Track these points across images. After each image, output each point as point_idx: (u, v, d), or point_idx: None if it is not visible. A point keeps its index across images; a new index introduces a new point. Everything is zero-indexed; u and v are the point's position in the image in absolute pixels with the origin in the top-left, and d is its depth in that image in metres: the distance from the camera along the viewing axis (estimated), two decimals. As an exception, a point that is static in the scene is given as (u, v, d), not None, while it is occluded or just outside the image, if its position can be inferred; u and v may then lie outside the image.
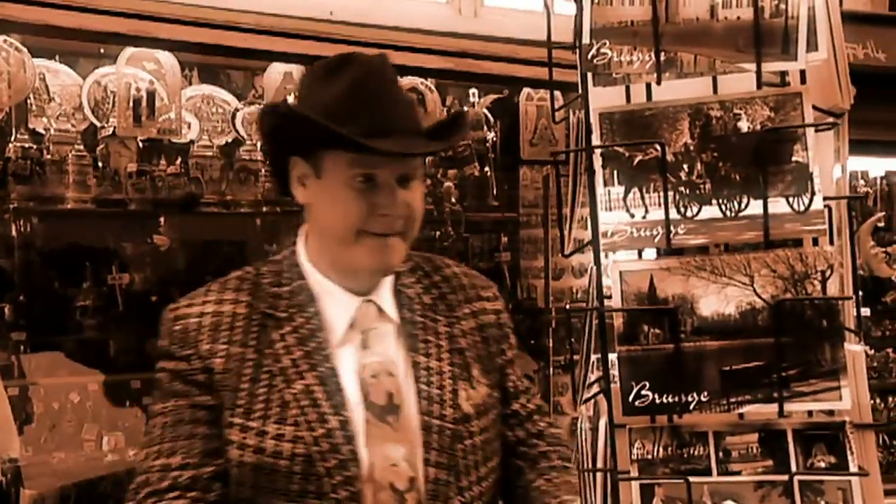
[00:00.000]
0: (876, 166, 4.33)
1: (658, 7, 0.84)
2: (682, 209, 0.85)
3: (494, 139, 4.10)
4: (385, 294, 1.36)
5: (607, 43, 0.84)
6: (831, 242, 0.92)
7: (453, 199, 3.99)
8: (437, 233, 3.96)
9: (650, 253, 1.02)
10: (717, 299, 0.85)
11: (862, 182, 4.32)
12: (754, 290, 0.83)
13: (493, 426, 1.37)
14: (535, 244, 4.13)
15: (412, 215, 1.31)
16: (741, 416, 0.86)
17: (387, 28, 3.53)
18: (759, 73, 0.84)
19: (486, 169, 4.07)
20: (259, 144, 1.49)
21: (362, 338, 1.32)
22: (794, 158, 0.84)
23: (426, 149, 1.37)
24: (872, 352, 4.25)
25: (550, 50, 0.98)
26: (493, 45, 3.73)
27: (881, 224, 4.31)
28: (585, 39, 0.83)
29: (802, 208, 0.83)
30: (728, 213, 0.84)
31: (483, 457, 1.33)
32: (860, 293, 3.61)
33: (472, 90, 4.03)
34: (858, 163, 4.15)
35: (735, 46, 0.85)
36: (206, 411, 1.28)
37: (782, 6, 0.85)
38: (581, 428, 0.98)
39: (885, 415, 4.16)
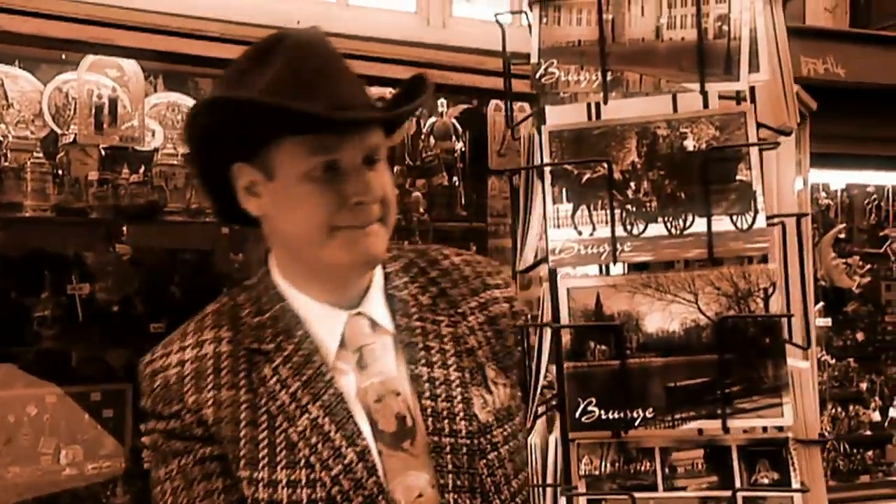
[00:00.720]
0: (836, 179, 4.42)
1: (604, 27, 0.85)
2: (629, 227, 0.86)
3: (463, 149, 4.12)
4: (376, 302, 1.20)
5: (555, 62, 0.85)
6: (788, 259, 0.93)
7: (421, 209, 4.00)
8: (406, 243, 3.96)
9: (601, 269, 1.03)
10: (662, 316, 0.85)
11: (823, 194, 4.41)
12: (698, 308, 0.84)
13: (521, 430, 1.20)
14: (504, 254, 4.15)
15: (388, 199, 1.14)
16: (700, 431, 0.87)
17: (354, 38, 3.53)
18: (703, 92, 0.86)
19: (455, 179, 4.09)
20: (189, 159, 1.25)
21: (357, 357, 1.16)
22: (738, 177, 0.86)
23: (396, 112, 1.16)
24: (834, 361, 4.33)
25: (506, 62, 0.98)
26: (461, 55, 3.75)
27: (842, 236, 4.40)
28: (534, 59, 0.84)
29: (746, 226, 0.84)
30: (673, 230, 0.85)
31: (514, 468, 1.17)
32: (822, 304, 3.64)
33: (441, 100, 4.04)
34: (820, 175, 4.22)
35: (679, 66, 0.86)
36: (216, 462, 1.13)
37: (725, 28, 0.86)
38: (532, 443, 0.98)
39: (846, 423, 4.23)
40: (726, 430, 0.83)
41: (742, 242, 0.84)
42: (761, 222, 0.83)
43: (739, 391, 0.82)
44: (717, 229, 0.85)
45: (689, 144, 0.88)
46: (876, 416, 4.31)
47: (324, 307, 1.18)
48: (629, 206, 0.87)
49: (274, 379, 1.14)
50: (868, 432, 4.27)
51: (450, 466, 1.13)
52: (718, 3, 0.87)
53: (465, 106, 4.14)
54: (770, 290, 0.83)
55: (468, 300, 1.24)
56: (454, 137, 4.08)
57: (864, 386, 4.33)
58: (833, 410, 4.19)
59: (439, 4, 3.95)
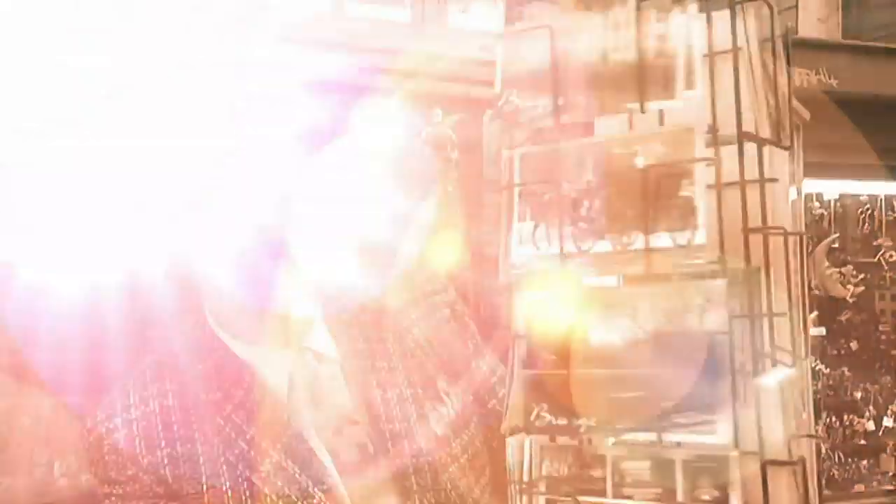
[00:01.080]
0: (830, 188, 4.43)
1: (557, 55, 0.89)
2: (579, 243, 0.89)
3: (458, 159, 4.16)
4: (318, 332, 1.18)
5: (515, 91, 0.88)
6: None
7: (416, 219, 4.04)
8: (401, 251, 3.99)
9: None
10: (606, 330, 0.88)
11: (817, 204, 4.42)
12: (637, 323, 0.87)
13: (478, 434, 1.21)
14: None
15: None
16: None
17: (350, 48, 3.57)
18: (643, 111, 0.89)
19: (449, 188, 4.13)
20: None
21: (309, 393, 1.15)
22: (681, 193, 0.88)
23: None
24: (828, 370, 4.34)
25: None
26: (456, 66, 3.78)
27: (835, 245, 4.41)
28: (497, 89, 0.88)
29: (685, 242, 0.87)
30: (617, 247, 0.88)
31: (475, 474, 1.19)
32: (816, 313, 3.62)
33: (437, 110, 4.08)
34: (813, 185, 4.24)
35: (623, 87, 0.89)
36: None
37: (663, 47, 0.89)
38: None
39: (840, 432, 4.23)
40: (676, 443, 0.85)
41: (682, 258, 0.87)
42: (701, 239, 0.85)
43: (674, 406, 0.84)
44: (660, 245, 0.87)
45: (640, 162, 0.90)
46: (870, 426, 4.31)
47: (266, 349, 1.16)
48: (581, 223, 0.89)
49: (228, 427, 1.11)
50: (862, 441, 4.27)
51: (416, 487, 1.13)
52: (658, 23, 0.90)
53: (460, 115, 4.19)
54: (707, 307, 0.85)
55: (409, 311, 1.24)
56: (449, 147, 4.12)
57: (858, 395, 4.34)
58: (828, 420, 4.20)
59: (435, 15, 3.99)
